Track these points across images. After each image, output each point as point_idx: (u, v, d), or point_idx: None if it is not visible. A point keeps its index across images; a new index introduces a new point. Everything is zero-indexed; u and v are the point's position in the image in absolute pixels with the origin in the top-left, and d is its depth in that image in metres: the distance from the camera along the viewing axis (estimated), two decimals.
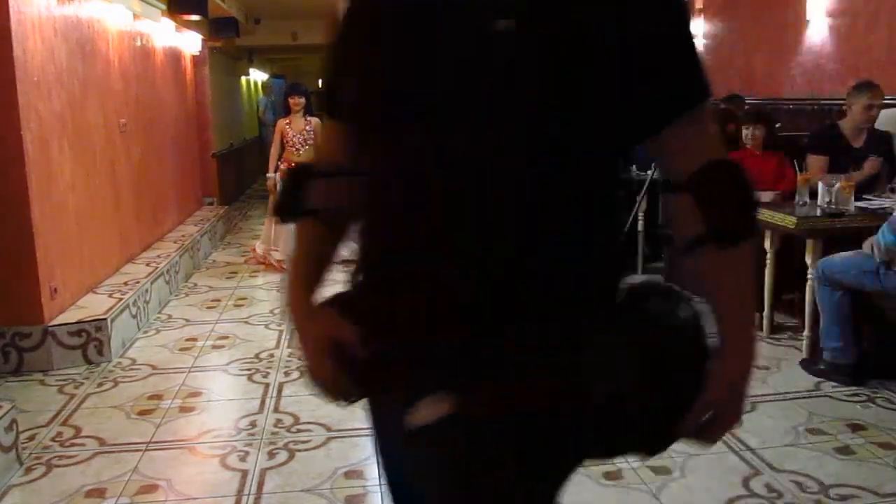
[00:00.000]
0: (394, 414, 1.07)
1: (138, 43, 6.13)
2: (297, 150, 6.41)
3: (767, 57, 7.13)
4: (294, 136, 6.42)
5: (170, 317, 5.14)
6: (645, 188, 5.35)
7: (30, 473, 2.97)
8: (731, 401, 1.09)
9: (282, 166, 6.45)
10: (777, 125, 6.09)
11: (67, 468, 3.01)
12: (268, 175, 6.68)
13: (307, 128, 6.42)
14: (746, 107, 6.62)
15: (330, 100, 1.23)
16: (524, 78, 0.99)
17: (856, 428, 3.22)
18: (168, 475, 2.95)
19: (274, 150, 6.55)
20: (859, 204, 3.98)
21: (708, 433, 1.10)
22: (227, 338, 4.66)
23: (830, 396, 3.56)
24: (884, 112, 4.88)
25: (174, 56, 7.44)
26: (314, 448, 3.14)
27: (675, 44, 1.06)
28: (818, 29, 6.35)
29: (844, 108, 4.73)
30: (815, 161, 4.53)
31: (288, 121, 6.42)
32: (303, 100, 6.45)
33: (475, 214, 1.02)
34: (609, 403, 1.01)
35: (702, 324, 1.06)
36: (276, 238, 6.49)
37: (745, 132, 4.82)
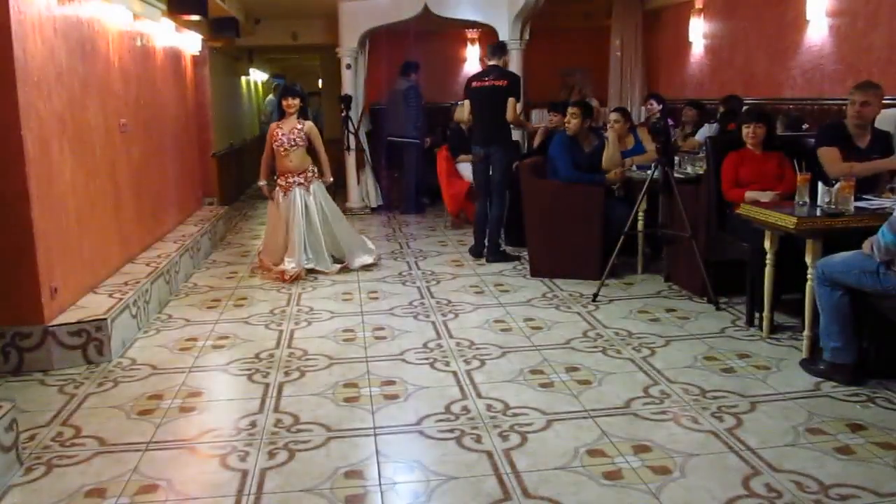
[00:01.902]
0: None
1: (138, 43, 6.13)
2: (286, 149, 6.03)
3: (767, 57, 7.14)
4: (282, 134, 6.06)
5: (170, 317, 5.14)
6: (645, 188, 5.35)
7: (30, 473, 2.97)
8: None
9: (279, 182, 6.17)
10: (805, 126, 6.11)
11: (67, 468, 3.01)
12: (259, 183, 6.36)
13: (298, 126, 6.08)
14: (746, 107, 6.62)
15: None
16: None
17: (856, 428, 3.22)
18: (168, 475, 2.95)
19: (265, 157, 6.25)
20: (859, 204, 3.98)
21: None
22: (227, 338, 4.66)
23: (830, 396, 3.57)
24: (884, 112, 4.88)
25: (174, 56, 7.44)
26: (314, 448, 3.15)
27: None
28: (818, 29, 6.35)
29: (839, 108, 4.73)
30: (828, 152, 4.46)
31: (280, 124, 6.14)
32: (297, 101, 6.14)
33: None
34: None
35: None
36: (288, 247, 6.12)
37: (745, 131, 4.82)
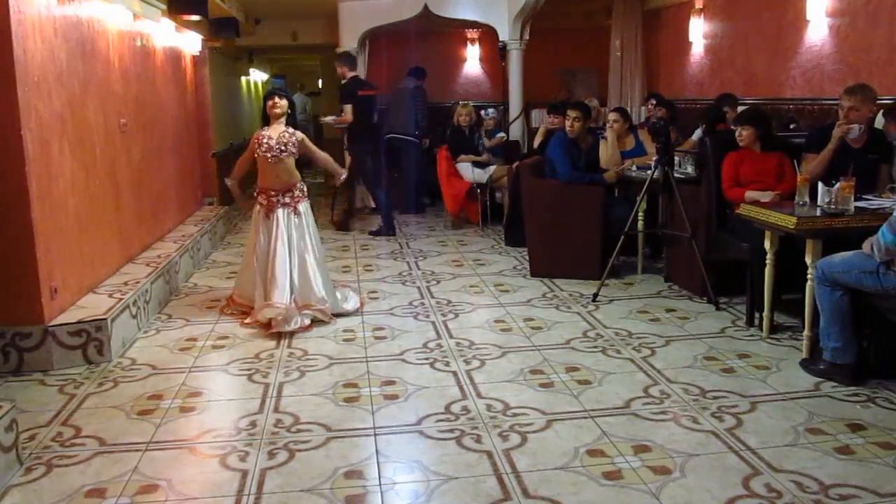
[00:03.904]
0: None
1: (138, 43, 6.13)
2: (276, 157, 4.82)
3: (767, 57, 7.13)
4: (268, 140, 4.84)
5: (170, 317, 5.13)
6: (645, 188, 5.35)
7: (30, 473, 2.97)
8: None
9: (259, 199, 4.95)
10: (792, 126, 6.13)
11: (67, 468, 3.01)
12: (228, 180, 5.21)
13: (288, 132, 4.90)
14: (745, 106, 6.62)
15: None
16: None
17: (856, 428, 3.22)
18: (168, 475, 2.95)
19: (242, 161, 5.15)
20: (859, 204, 3.98)
21: None
22: (227, 338, 4.66)
23: (830, 396, 3.57)
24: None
25: (174, 56, 7.44)
26: (314, 448, 3.15)
27: None
28: (818, 29, 6.35)
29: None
30: (810, 159, 4.51)
31: (265, 131, 4.93)
32: (285, 103, 4.96)
33: None
34: None
35: None
36: (273, 285, 4.74)
37: (737, 132, 4.84)
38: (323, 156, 5.26)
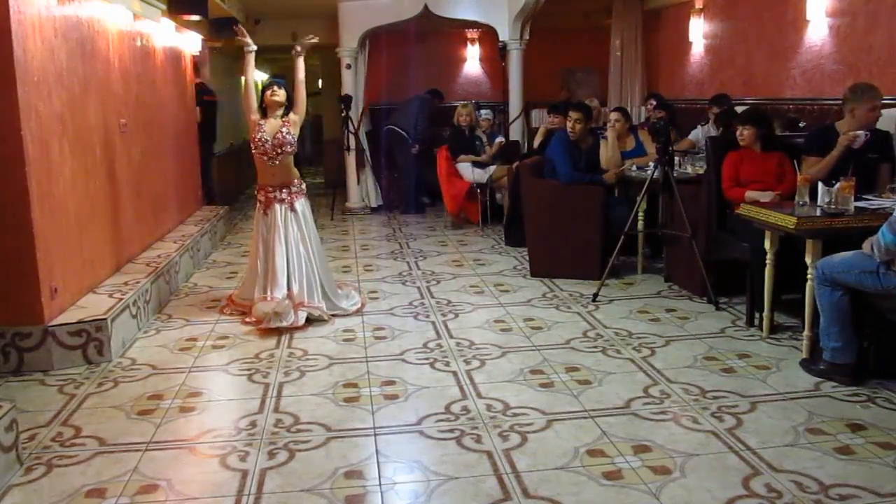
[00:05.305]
0: None
1: (138, 43, 6.13)
2: (271, 158, 4.85)
3: (767, 57, 7.14)
4: (265, 140, 4.83)
5: (170, 317, 5.13)
6: (645, 188, 5.35)
7: (30, 473, 2.97)
8: None
9: (258, 196, 5.03)
10: (801, 124, 6.13)
11: (67, 468, 3.01)
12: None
13: (283, 129, 4.86)
14: (745, 107, 6.62)
15: None
16: None
17: (856, 428, 3.22)
18: (168, 475, 2.95)
19: (251, 102, 5.03)
20: (859, 204, 3.98)
21: None
22: (227, 338, 4.66)
23: (830, 396, 3.57)
24: (884, 112, 4.88)
25: (174, 56, 7.44)
26: (314, 448, 3.15)
27: None
28: (818, 29, 6.35)
29: (839, 109, 4.72)
30: (811, 162, 4.52)
31: (262, 121, 4.94)
32: (284, 92, 4.99)
33: None
34: None
35: None
36: (271, 280, 4.86)
37: (737, 132, 4.84)
38: (298, 81, 5.19)
